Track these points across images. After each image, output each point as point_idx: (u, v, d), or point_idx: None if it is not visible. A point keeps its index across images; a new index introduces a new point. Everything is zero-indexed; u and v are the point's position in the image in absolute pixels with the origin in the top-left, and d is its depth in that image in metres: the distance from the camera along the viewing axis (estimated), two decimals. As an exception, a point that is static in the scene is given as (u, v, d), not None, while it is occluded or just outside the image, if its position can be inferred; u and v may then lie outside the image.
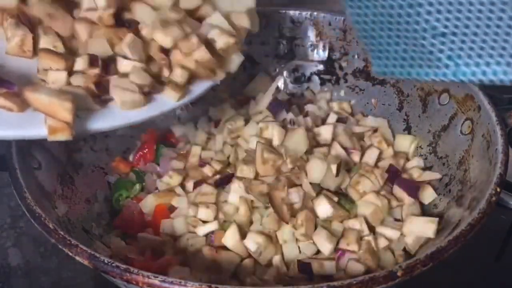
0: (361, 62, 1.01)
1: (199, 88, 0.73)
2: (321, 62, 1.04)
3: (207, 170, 0.84)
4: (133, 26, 0.69)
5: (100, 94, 0.64)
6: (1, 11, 0.65)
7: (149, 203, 0.82)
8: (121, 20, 0.69)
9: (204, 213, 0.77)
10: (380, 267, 0.73)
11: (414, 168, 0.88)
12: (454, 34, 0.54)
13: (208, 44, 0.71)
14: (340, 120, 0.95)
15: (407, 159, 0.91)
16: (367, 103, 1.02)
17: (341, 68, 1.03)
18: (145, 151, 0.92)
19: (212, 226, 0.76)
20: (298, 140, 0.82)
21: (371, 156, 0.87)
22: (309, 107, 0.99)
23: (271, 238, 0.74)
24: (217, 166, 0.85)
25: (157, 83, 0.69)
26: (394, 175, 0.83)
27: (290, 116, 0.91)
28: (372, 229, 0.77)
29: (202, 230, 0.76)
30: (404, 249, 0.76)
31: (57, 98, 0.57)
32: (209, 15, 0.74)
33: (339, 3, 1.16)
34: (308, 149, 0.82)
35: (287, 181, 0.77)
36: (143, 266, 0.60)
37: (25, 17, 0.66)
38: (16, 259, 0.87)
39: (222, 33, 0.72)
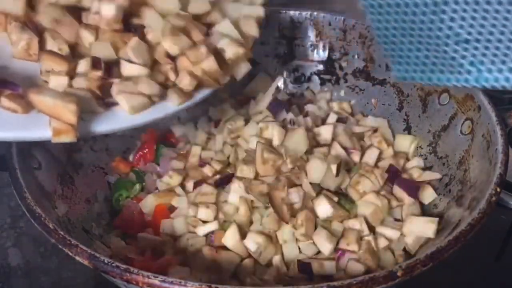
0: (361, 62, 1.01)
1: (203, 91, 0.73)
2: (321, 62, 1.04)
3: (207, 170, 0.84)
4: (139, 31, 0.69)
5: (103, 97, 0.64)
6: (4, 15, 0.65)
7: (149, 203, 0.82)
8: (128, 25, 0.69)
9: (204, 213, 0.77)
10: (380, 267, 0.73)
11: (414, 168, 0.88)
12: (477, 40, 0.54)
13: (217, 53, 0.71)
14: (340, 120, 0.95)
15: (407, 159, 0.91)
16: (367, 103, 1.02)
17: (341, 68, 1.03)
18: (145, 151, 0.92)
19: (212, 226, 0.76)
20: (298, 140, 0.82)
21: (371, 156, 0.87)
22: (309, 107, 0.99)
23: (271, 238, 0.74)
24: (217, 166, 0.85)
25: (162, 86, 0.69)
26: (394, 175, 0.83)
27: (290, 116, 0.91)
28: (372, 229, 0.77)
29: (202, 230, 0.76)
30: (404, 249, 0.76)
31: (62, 100, 0.57)
32: (218, 21, 0.74)
33: (339, 3, 1.16)
34: (308, 149, 0.82)
35: (287, 181, 0.77)
36: (143, 266, 0.60)
37: (31, 22, 0.66)
38: (16, 259, 0.87)
39: (232, 43, 0.72)
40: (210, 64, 0.69)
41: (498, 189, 0.66)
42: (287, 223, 0.74)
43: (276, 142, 0.82)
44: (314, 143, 0.86)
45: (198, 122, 0.97)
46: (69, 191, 0.79)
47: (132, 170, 0.91)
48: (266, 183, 0.77)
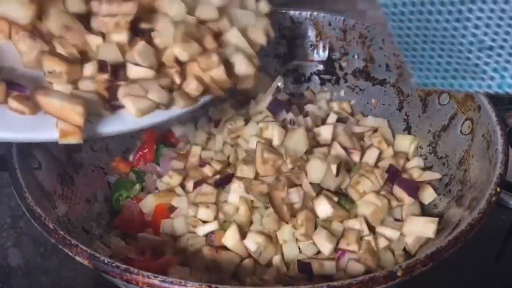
0: (361, 62, 1.01)
1: (206, 96, 0.73)
2: (321, 62, 1.04)
3: (207, 170, 0.84)
4: (146, 36, 0.69)
5: (110, 100, 0.64)
6: (8, 22, 0.65)
7: (149, 203, 0.82)
8: (136, 29, 0.69)
9: (204, 213, 0.77)
10: (380, 267, 0.73)
11: (414, 168, 0.88)
12: (501, 47, 0.53)
13: (227, 63, 0.72)
14: (340, 120, 0.95)
15: (407, 159, 0.91)
16: (367, 103, 1.02)
17: (341, 68, 1.03)
18: (145, 151, 0.92)
19: (212, 226, 0.76)
20: (298, 140, 0.82)
21: (371, 156, 0.87)
22: (309, 107, 0.99)
23: (271, 238, 0.74)
24: (217, 166, 0.85)
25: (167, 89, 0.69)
26: (394, 175, 0.83)
27: (290, 116, 0.91)
28: (372, 229, 0.77)
29: (202, 230, 0.76)
30: (404, 249, 0.76)
31: (69, 102, 0.57)
32: (227, 29, 0.75)
33: (339, 3, 1.16)
34: (308, 149, 0.82)
35: (287, 181, 0.77)
36: (143, 266, 0.60)
37: (35, 29, 0.66)
38: (16, 259, 0.87)
39: (245, 61, 0.73)
40: (219, 73, 0.70)
41: (498, 189, 0.66)
42: (287, 223, 0.74)
43: (276, 142, 0.82)
44: (314, 143, 0.86)
45: (198, 122, 0.97)
46: (69, 191, 0.79)
47: (132, 170, 0.91)
48: (266, 183, 0.77)
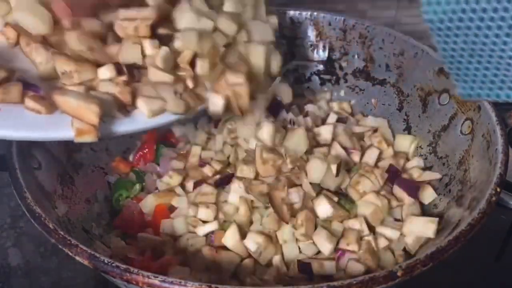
0: (361, 62, 1.01)
1: None
2: (321, 62, 1.04)
3: (207, 170, 0.84)
4: (165, 40, 0.69)
5: (128, 105, 0.64)
6: (16, 31, 0.66)
7: (149, 203, 0.82)
8: (155, 34, 0.69)
9: (204, 213, 0.77)
10: (380, 267, 0.73)
11: (414, 168, 0.88)
12: None
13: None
14: (340, 120, 0.95)
15: (407, 159, 0.91)
16: (367, 103, 1.02)
17: (341, 68, 1.03)
18: (145, 151, 0.92)
19: (212, 226, 0.76)
20: (298, 140, 0.82)
21: (371, 156, 0.87)
22: (309, 107, 0.99)
23: (271, 238, 0.74)
24: (217, 166, 0.85)
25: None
26: (394, 175, 0.83)
27: (290, 116, 0.91)
28: (372, 229, 0.77)
29: (202, 230, 0.76)
30: (404, 249, 0.76)
31: (85, 102, 0.58)
32: (243, 39, 0.76)
33: (339, 3, 1.16)
34: (308, 149, 0.82)
35: (287, 181, 0.77)
36: (143, 266, 0.60)
37: (46, 41, 0.67)
38: (16, 259, 0.87)
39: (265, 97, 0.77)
40: (242, 92, 0.72)
41: (498, 189, 0.66)
42: (287, 223, 0.74)
43: (266, 139, 0.81)
44: (314, 143, 0.86)
45: (198, 122, 0.97)
46: (69, 191, 0.79)
47: (132, 170, 0.91)
48: (266, 183, 0.77)
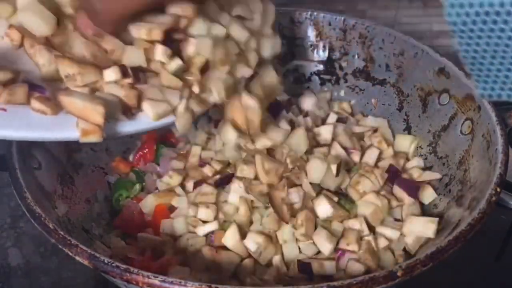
0: (361, 62, 1.01)
1: None
2: (321, 62, 1.04)
3: (207, 170, 0.84)
4: (176, 44, 0.69)
5: (135, 107, 0.65)
6: (20, 33, 0.66)
7: (149, 203, 0.82)
8: (169, 39, 0.69)
9: (204, 213, 0.77)
10: (380, 267, 0.73)
11: (414, 168, 0.88)
12: None
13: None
14: (340, 120, 0.95)
15: (407, 159, 0.91)
16: (367, 103, 1.02)
17: (341, 68, 1.03)
18: (145, 151, 0.92)
19: (212, 226, 0.76)
20: (298, 140, 0.82)
21: (371, 156, 0.87)
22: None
23: (271, 238, 0.74)
24: (217, 166, 0.84)
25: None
26: (394, 175, 0.83)
27: (290, 116, 0.91)
28: (372, 229, 0.77)
29: (202, 230, 0.76)
30: (404, 249, 0.76)
31: (90, 102, 0.59)
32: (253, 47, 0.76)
33: (339, 3, 1.16)
34: (308, 149, 0.82)
35: (287, 181, 0.77)
36: (143, 266, 0.60)
37: (50, 43, 0.67)
38: (16, 259, 0.87)
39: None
40: (254, 116, 0.74)
41: (498, 189, 0.66)
42: (287, 223, 0.74)
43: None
44: (314, 143, 0.86)
45: (198, 122, 0.97)
46: (69, 191, 0.79)
47: (132, 170, 0.91)
48: (266, 183, 0.77)
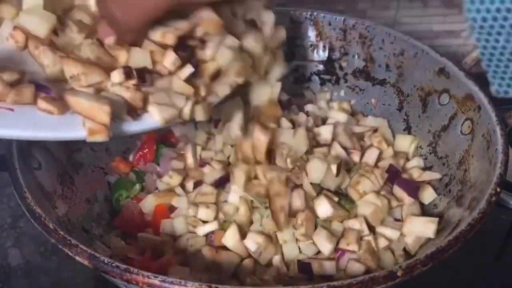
0: (361, 62, 1.01)
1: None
2: (321, 62, 1.04)
3: (207, 170, 0.84)
4: (190, 52, 0.69)
5: (141, 108, 0.65)
6: (25, 35, 0.67)
7: (149, 203, 0.82)
8: (183, 44, 0.69)
9: (204, 213, 0.77)
10: (380, 267, 0.73)
11: (414, 168, 0.88)
12: None
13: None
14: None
15: (407, 159, 0.91)
16: (367, 103, 1.02)
17: (341, 68, 1.03)
18: (145, 151, 0.92)
19: (212, 226, 0.76)
20: (298, 140, 0.82)
21: (371, 156, 0.87)
22: (309, 107, 0.99)
23: (271, 238, 0.74)
24: (217, 166, 0.84)
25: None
26: (394, 175, 0.83)
27: (290, 116, 0.91)
28: (372, 229, 0.77)
29: (202, 230, 0.76)
30: (404, 249, 0.76)
31: (97, 102, 0.59)
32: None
33: (339, 3, 1.16)
34: (308, 149, 0.82)
35: (290, 187, 0.76)
36: (143, 266, 0.60)
37: (54, 45, 0.68)
38: (16, 259, 0.87)
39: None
40: (261, 155, 0.78)
41: (498, 189, 0.66)
42: (281, 230, 0.74)
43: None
44: (314, 143, 0.86)
45: (198, 122, 0.97)
46: (69, 191, 0.79)
47: (132, 170, 0.91)
48: (263, 184, 0.77)
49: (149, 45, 0.67)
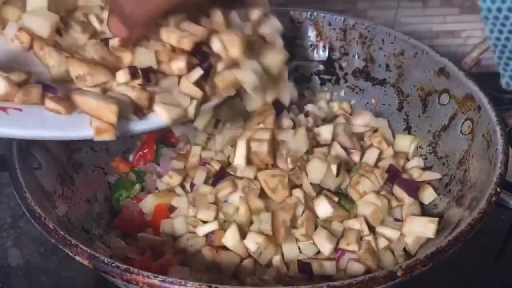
0: (361, 62, 1.01)
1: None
2: (321, 62, 1.04)
3: (201, 171, 0.84)
4: (205, 59, 0.69)
5: (147, 108, 0.65)
6: (30, 36, 0.67)
7: (149, 203, 0.82)
8: (197, 50, 0.69)
9: (204, 213, 0.77)
10: (380, 267, 0.73)
11: (414, 168, 0.88)
12: None
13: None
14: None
15: (407, 159, 0.91)
16: (367, 103, 1.02)
17: (341, 68, 1.03)
18: (145, 151, 0.92)
19: (212, 226, 0.76)
20: (298, 140, 0.82)
21: (371, 156, 0.87)
22: (309, 107, 0.98)
23: (271, 238, 0.74)
24: (217, 166, 0.84)
25: None
26: (394, 175, 0.83)
27: (290, 116, 0.91)
28: (372, 229, 0.77)
29: (202, 230, 0.76)
30: (404, 249, 0.76)
31: (104, 102, 0.60)
32: None
33: (339, 3, 1.16)
34: (308, 149, 0.82)
35: (295, 204, 0.76)
36: (143, 266, 0.60)
37: (59, 46, 0.68)
38: (16, 259, 0.87)
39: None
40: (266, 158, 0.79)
41: (498, 189, 0.66)
42: (279, 244, 0.73)
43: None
44: (314, 143, 0.86)
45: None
46: (69, 191, 0.79)
47: (132, 170, 0.91)
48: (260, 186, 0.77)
49: (154, 45, 0.67)
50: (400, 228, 0.76)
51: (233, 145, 0.87)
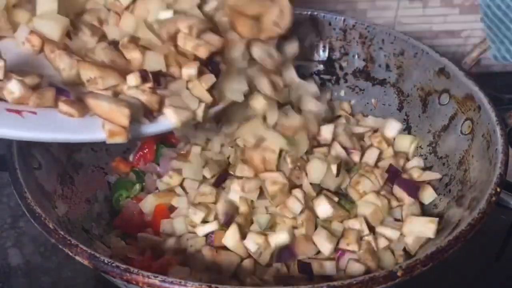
0: (361, 62, 1.01)
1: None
2: (321, 62, 1.04)
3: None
4: (215, 67, 0.71)
5: (157, 110, 0.66)
6: (41, 39, 0.68)
7: (149, 203, 0.82)
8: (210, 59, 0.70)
9: (201, 215, 0.77)
10: (380, 267, 0.73)
11: (414, 168, 0.88)
12: None
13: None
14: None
15: (407, 159, 0.91)
16: (367, 103, 1.02)
17: (341, 68, 1.03)
18: (145, 151, 0.92)
19: (212, 226, 0.76)
20: (298, 140, 0.82)
21: (371, 156, 0.87)
22: (309, 107, 0.98)
23: (271, 238, 0.74)
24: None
25: None
26: (394, 175, 0.83)
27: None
28: (372, 229, 0.77)
29: (202, 230, 0.76)
30: (404, 249, 0.76)
31: (116, 105, 0.61)
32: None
33: (339, 3, 1.16)
34: (308, 149, 0.82)
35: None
36: (143, 266, 0.60)
37: (69, 49, 0.69)
38: (16, 259, 0.87)
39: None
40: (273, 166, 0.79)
41: (498, 189, 0.66)
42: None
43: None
44: (314, 143, 0.86)
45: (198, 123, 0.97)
46: (69, 191, 0.79)
47: (132, 170, 0.91)
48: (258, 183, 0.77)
49: (163, 48, 0.68)
50: (400, 228, 0.76)
51: (233, 145, 0.87)
